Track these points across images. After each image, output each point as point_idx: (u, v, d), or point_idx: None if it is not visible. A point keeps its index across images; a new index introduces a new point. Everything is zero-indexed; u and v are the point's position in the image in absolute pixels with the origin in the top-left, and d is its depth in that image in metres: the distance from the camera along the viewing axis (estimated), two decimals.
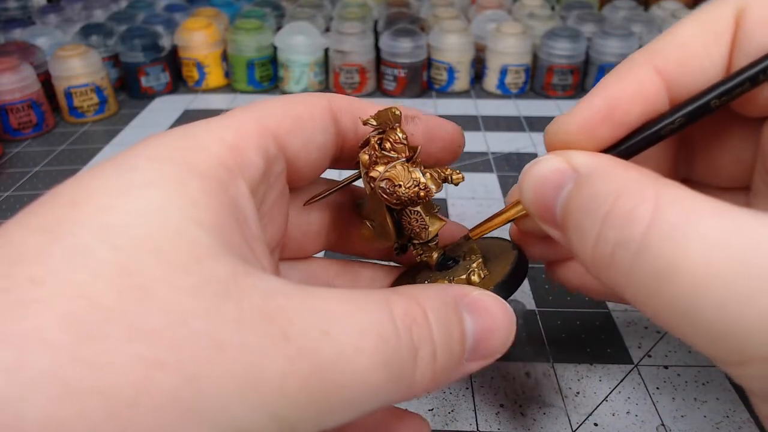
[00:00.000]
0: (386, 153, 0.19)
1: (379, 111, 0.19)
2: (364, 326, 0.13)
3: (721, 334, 0.12)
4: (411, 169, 0.19)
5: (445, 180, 0.20)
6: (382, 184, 0.19)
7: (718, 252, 0.12)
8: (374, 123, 0.19)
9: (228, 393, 0.11)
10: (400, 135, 0.19)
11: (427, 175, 0.19)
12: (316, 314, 0.13)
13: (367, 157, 0.20)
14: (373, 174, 0.19)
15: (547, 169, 0.17)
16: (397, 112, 0.19)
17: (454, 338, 0.15)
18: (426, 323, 0.15)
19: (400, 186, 0.19)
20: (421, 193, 0.19)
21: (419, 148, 0.20)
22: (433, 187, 0.19)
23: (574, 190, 0.16)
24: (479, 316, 0.16)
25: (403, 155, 0.19)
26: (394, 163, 0.19)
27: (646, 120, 0.18)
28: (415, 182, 0.19)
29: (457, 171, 0.20)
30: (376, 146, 0.19)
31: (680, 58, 0.18)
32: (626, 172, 0.15)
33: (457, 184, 0.20)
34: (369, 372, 0.13)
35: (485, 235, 0.22)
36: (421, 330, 0.14)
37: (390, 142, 0.19)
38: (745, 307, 0.12)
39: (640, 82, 0.18)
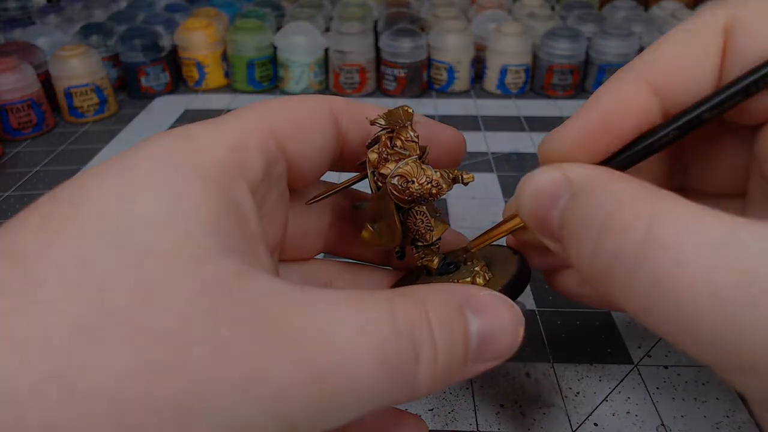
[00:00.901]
0: (398, 150, 0.19)
1: (389, 110, 0.19)
2: (364, 327, 0.13)
3: (720, 343, 0.12)
4: (423, 166, 0.19)
5: (455, 180, 0.20)
6: (394, 181, 0.19)
7: (716, 261, 0.12)
8: (382, 123, 0.19)
9: (230, 394, 0.11)
10: (412, 133, 0.19)
11: (438, 173, 0.19)
12: (317, 316, 0.13)
13: (375, 155, 0.19)
14: (383, 171, 0.19)
15: (543, 181, 0.17)
16: (410, 110, 0.19)
17: (457, 340, 0.15)
18: (427, 325, 0.15)
19: (413, 182, 0.19)
20: (434, 191, 0.19)
21: (428, 148, 0.20)
22: (444, 185, 0.19)
23: (570, 201, 0.16)
24: (486, 316, 0.16)
25: (414, 153, 0.19)
26: (406, 160, 0.19)
27: (639, 132, 0.18)
28: (428, 179, 0.19)
29: (466, 171, 0.20)
30: (388, 143, 0.19)
31: (671, 70, 0.18)
32: (622, 184, 0.15)
33: (466, 184, 0.20)
34: (369, 373, 0.13)
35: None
36: (422, 332, 0.14)
37: (401, 140, 0.19)
38: (743, 316, 0.12)
39: (633, 95, 0.18)
